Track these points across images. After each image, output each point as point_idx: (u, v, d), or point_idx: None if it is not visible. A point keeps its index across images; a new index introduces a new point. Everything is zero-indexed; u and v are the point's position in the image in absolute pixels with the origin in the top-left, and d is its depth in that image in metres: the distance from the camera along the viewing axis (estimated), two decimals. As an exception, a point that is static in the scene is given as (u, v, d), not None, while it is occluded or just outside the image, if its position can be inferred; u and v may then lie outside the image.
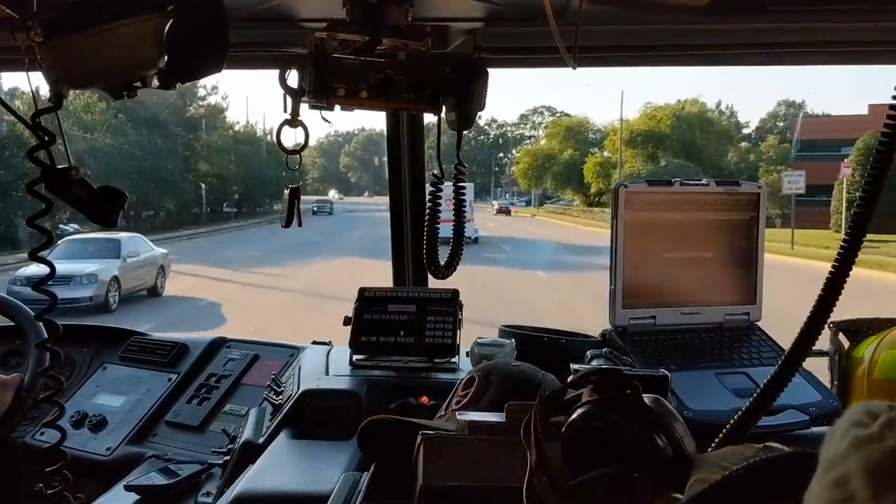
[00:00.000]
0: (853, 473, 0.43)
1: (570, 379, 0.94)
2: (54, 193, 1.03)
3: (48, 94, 1.03)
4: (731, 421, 1.10)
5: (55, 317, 1.46)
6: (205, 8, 1.02)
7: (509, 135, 76.15)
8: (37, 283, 1.19)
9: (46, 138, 1.04)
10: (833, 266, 0.98)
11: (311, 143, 1.52)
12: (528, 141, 71.27)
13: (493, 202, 59.57)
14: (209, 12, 1.02)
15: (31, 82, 1.08)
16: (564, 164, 47.95)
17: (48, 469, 1.41)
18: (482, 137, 73.72)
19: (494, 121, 75.58)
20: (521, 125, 76.49)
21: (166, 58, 1.02)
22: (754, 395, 1.09)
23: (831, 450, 0.47)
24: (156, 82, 1.05)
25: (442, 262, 1.68)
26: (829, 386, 1.83)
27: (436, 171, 1.69)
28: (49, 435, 2.21)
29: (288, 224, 1.55)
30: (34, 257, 1.11)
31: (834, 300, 1.00)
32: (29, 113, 1.06)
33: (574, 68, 1.57)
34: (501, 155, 75.80)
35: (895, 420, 0.44)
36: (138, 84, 1.04)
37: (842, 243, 0.99)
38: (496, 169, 72.80)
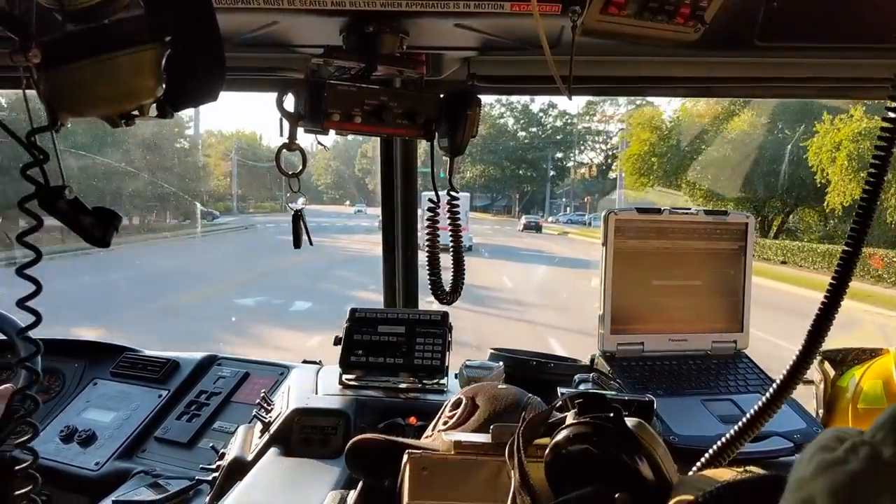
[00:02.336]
0: (818, 495, 0.44)
1: (554, 403, 0.96)
2: (47, 211, 1.03)
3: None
4: (717, 445, 1.12)
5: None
6: (202, 38, 1.03)
7: (571, 128, 53.43)
8: (21, 300, 1.16)
9: (41, 157, 1.04)
10: (824, 298, 1.01)
11: (328, 142, 1.53)
12: (597, 137, 52.57)
13: (544, 217, 45.45)
14: (207, 42, 1.03)
15: (27, 101, 1.08)
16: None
17: (17, 493, 1.40)
18: (534, 129, 54.37)
19: (553, 106, 54.34)
20: (588, 116, 52.92)
21: (164, 87, 1.03)
22: (742, 420, 1.11)
23: (799, 472, 0.48)
24: (153, 111, 1.06)
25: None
26: (814, 414, 1.85)
27: (432, 197, 1.71)
28: (38, 449, 2.22)
29: (297, 245, 1.57)
30: (21, 274, 1.11)
31: (825, 332, 1.02)
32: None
33: (570, 98, 1.60)
34: (560, 155, 53.84)
35: (859, 445, 0.46)
36: (136, 113, 1.05)
37: (832, 277, 1.01)
38: (553, 172, 52.81)
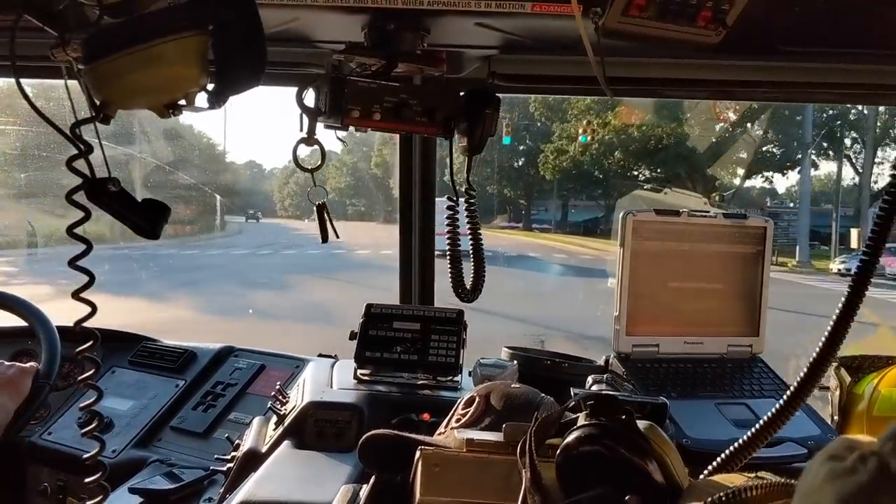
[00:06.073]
0: None
1: (567, 403, 0.97)
2: (94, 203, 1.04)
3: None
4: (730, 449, 1.12)
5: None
6: (243, 24, 1.04)
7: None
8: (75, 291, 1.16)
9: (84, 148, 1.05)
10: (842, 303, 1.00)
11: (343, 135, 1.52)
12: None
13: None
14: (249, 28, 1.04)
15: (70, 93, 1.09)
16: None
17: (88, 480, 1.44)
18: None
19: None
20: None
21: (210, 76, 1.04)
22: (756, 426, 1.10)
23: (808, 480, 0.49)
24: (200, 100, 1.07)
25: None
26: (829, 420, 1.84)
27: (451, 196, 1.72)
28: (56, 435, 2.25)
29: (324, 239, 1.58)
30: (73, 265, 1.11)
31: (842, 336, 1.01)
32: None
33: (611, 97, 1.62)
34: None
35: (868, 456, 0.46)
36: (182, 102, 1.05)
37: (850, 282, 1.00)
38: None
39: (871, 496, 0.43)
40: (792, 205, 34.62)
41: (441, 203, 1.93)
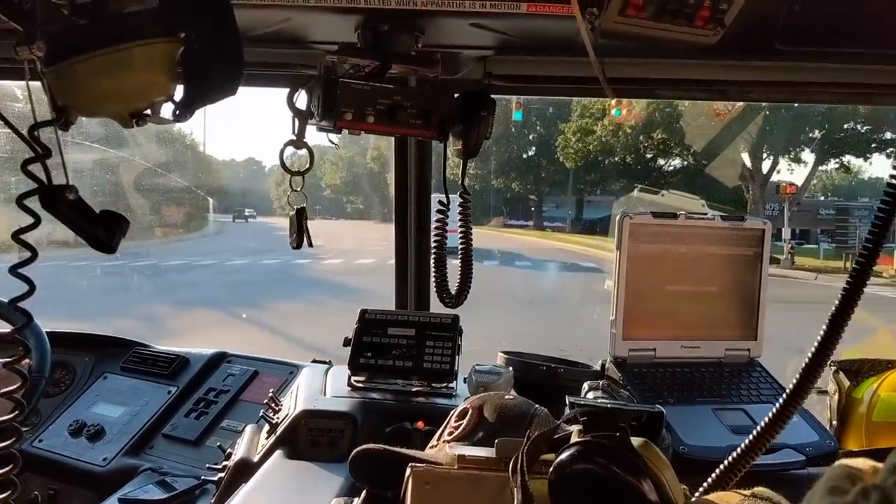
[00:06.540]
0: None
1: (561, 420, 0.94)
2: (48, 211, 0.98)
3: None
4: (727, 461, 1.10)
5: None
6: (219, 33, 0.99)
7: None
8: (13, 299, 1.06)
9: (42, 152, 0.98)
10: (836, 305, 0.98)
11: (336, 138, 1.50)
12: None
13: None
14: (224, 37, 0.99)
15: (31, 94, 1.05)
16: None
17: None
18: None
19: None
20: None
21: (179, 86, 0.99)
22: (752, 433, 1.08)
23: None
24: (166, 112, 1.01)
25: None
26: (827, 425, 1.82)
27: (442, 199, 1.70)
28: (47, 443, 2.23)
29: (298, 245, 1.55)
30: (14, 272, 1.02)
31: (836, 339, 0.99)
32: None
33: (611, 98, 1.59)
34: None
35: (871, 490, 0.44)
36: (148, 112, 1.00)
37: (845, 283, 0.98)
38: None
39: None
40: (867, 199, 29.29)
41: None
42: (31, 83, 1.02)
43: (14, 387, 1.16)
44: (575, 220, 35.48)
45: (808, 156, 26.82)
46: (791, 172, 28.07)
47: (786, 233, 22.79)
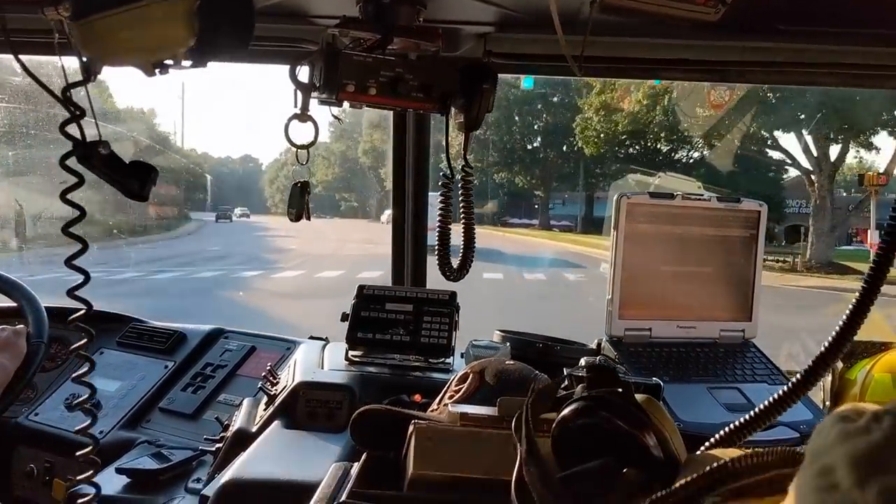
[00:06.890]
0: (838, 463, 0.43)
1: (564, 374, 0.95)
2: (85, 166, 1.06)
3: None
4: (725, 430, 1.11)
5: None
6: None
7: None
8: (71, 289, 1.19)
9: (77, 112, 1.06)
10: (859, 292, 0.98)
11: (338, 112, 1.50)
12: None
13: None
14: None
15: (60, 56, 1.10)
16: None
17: (80, 453, 1.43)
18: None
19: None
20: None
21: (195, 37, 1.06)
22: (756, 409, 1.09)
23: (818, 442, 0.47)
24: (187, 61, 1.09)
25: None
26: (821, 406, 1.84)
27: (446, 173, 1.70)
28: (43, 416, 2.23)
29: (297, 218, 1.56)
30: (69, 265, 1.14)
31: (859, 324, 1.00)
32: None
33: (580, 76, 1.59)
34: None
35: (882, 414, 0.45)
36: (170, 62, 1.07)
37: (868, 271, 0.98)
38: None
39: (887, 453, 0.42)
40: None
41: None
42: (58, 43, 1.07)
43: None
44: (585, 217, 31.47)
45: (884, 140, 21.91)
46: (858, 160, 24.42)
47: (872, 235, 16.65)
